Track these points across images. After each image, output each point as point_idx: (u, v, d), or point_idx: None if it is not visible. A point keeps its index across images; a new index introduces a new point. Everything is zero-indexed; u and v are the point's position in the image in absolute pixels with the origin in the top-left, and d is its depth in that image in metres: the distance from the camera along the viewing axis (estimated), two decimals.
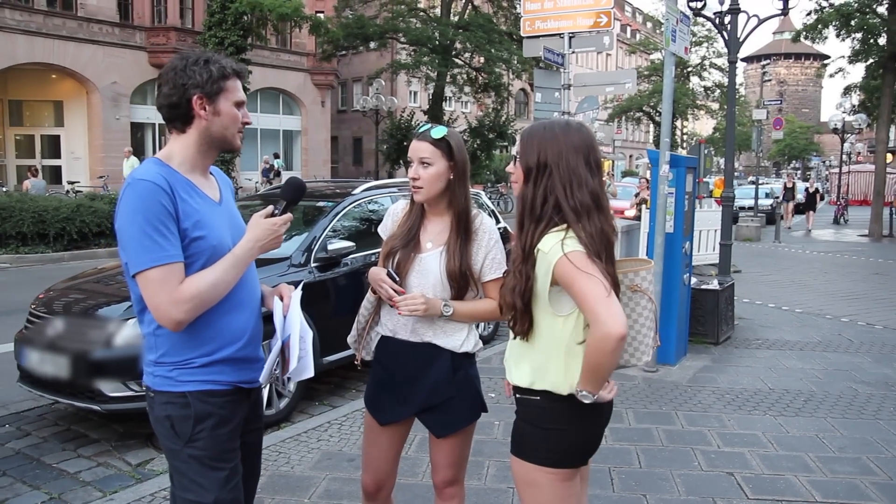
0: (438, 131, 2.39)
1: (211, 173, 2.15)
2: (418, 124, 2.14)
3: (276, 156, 27.95)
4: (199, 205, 1.98)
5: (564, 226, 1.95)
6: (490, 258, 2.42)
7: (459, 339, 2.44)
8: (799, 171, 66.26)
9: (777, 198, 27.14)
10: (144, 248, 1.85)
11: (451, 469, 2.50)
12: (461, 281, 2.38)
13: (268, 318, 2.18)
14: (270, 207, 2.09)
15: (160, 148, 30.53)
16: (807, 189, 25.18)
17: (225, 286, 1.97)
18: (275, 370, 2.15)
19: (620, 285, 2.08)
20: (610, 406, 2.12)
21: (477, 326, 2.70)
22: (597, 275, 1.86)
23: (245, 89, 2.13)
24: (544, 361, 2.01)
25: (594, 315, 1.83)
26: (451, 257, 2.37)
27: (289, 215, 2.09)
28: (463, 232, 2.40)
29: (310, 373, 2.16)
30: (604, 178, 2.06)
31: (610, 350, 1.83)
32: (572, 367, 1.97)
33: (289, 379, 2.14)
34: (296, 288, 2.23)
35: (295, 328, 2.11)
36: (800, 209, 26.14)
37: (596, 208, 1.97)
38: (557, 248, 1.90)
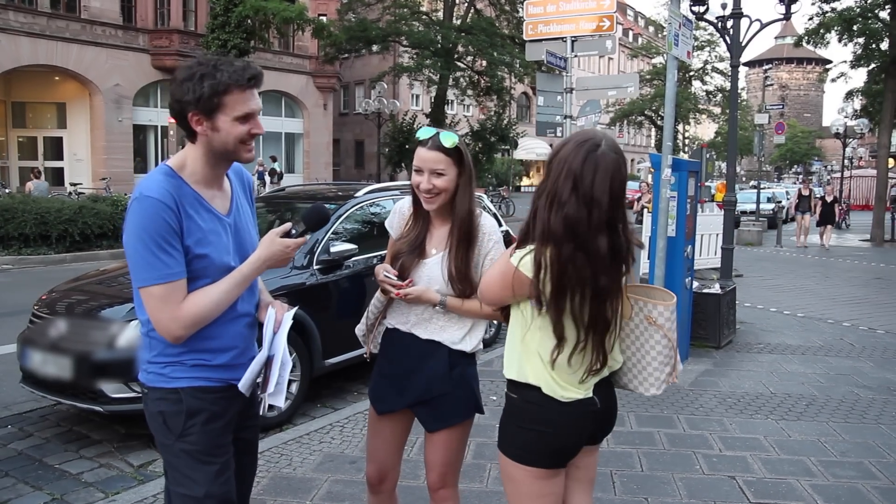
0: (449, 139, 2.35)
1: (227, 176, 2.15)
2: (420, 127, 2.11)
3: (274, 159, 27.88)
4: (203, 221, 1.99)
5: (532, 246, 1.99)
6: (489, 259, 2.42)
7: (458, 334, 2.45)
8: (800, 176, 66.17)
9: (779, 202, 26.59)
10: (148, 264, 1.88)
11: (444, 468, 2.50)
12: (463, 284, 2.39)
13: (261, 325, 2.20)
14: (288, 225, 2.10)
15: (162, 150, 30.47)
16: (823, 198, 20.30)
17: (227, 303, 2.01)
18: (257, 381, 2.13)
19: (640, 312, 2.09)
20: (588, 418, 2.08)
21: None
22: (503, 289, 2.05)
23: None
24: (510, 352, 2.12)
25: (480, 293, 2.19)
26: (452, 261, 2.39)
27: (304, 239, 2.11)
28: (465, 236, 2.40)
29: (280, 403, 2.14)
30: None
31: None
32: (525, 359, 2.05)
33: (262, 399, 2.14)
34: (290, 310, 2.23)
35: (279, 351, 2.12)
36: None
37: (568, 238, 1.90)
38: (517, 258, 2.00)
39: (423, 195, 2.37)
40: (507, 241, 7.93)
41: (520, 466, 2.06)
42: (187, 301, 1.92)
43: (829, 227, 19.45)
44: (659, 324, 2.08)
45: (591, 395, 2.06)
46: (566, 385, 2.03)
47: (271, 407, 4.81)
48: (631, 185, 31.79)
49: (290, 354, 2.17)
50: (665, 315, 2.09)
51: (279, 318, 2.17)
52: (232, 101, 1.94)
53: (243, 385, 2.05)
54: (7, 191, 19.92)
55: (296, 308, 2.31)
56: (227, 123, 1.96)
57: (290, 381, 5.03)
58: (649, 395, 2.18)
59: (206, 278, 1.97)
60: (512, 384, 2.10)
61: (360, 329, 2.68)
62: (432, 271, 2.42)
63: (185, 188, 1.97)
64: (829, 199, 19.85)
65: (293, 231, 2.10)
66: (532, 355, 2.04)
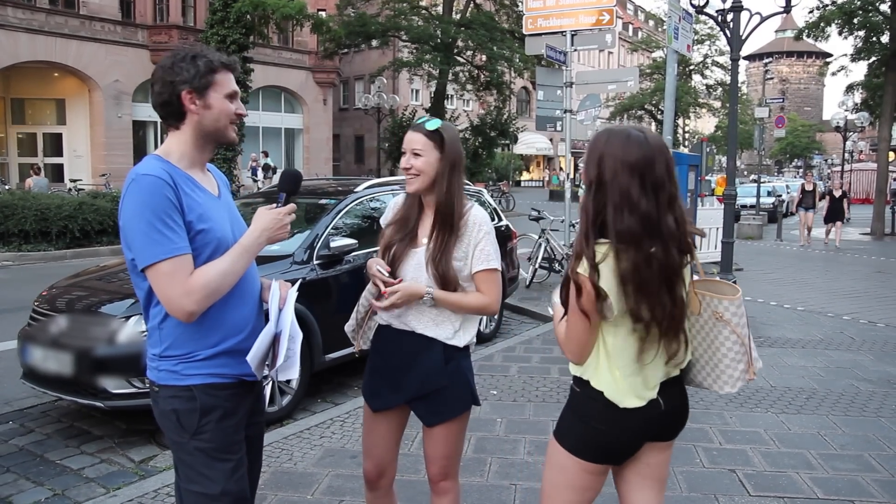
0: (433, 123, 2.41)
1: (208, 170, 2.17)
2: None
3: (266, 154, 27.81)
4: (200, 198, 2.00)
5: (608, 242, 1.91)
6: (479, 250, 2.41)
7: (450, 329, 2.44)
8: (801, 170, 66.10)
9: (779, 196, 26.47)
10: (153, 241, 1.87)
11: (444, 461, 2.51)
12: (443, 276, 2.38)
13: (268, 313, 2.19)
14: (273, 205, 2.11)
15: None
16: (830, 192, 18.62)
17: (234, 276, 1.99)
18: (267, 361, 2.13)
19: (707, 308, 2.04)
20: (650, 421, 2.06)
21: (480, 322, 2.69)
22: (573, 314, 1.96)
23: (246, 87, 2.16)
24: None
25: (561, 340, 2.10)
26: (432, 252, 2.39)
27: (292, 205, 2.11)
28: (447, 227, 2.40)
29: (294, 374, 2.16)
30: (671, 197, 1.92)
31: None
32: (590, 363, 2.04)
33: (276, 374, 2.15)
34: (293, 286, 2.24)
35: (286, 326, 2.12)
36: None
37: (647, 234, 1.89)
38: (581, 265, 1.92)
39: (405, 175, 2.42)
40: (507, 235, 7.90)
41: (571, 457, 2.08)
42: (196, 274, 1.91)
43: (838, 223, 17.83)
44: (726, 319, 2.03)
45: (655, 396, 2.04)
46: (629, 393, 2.01)
47: (271, 402, 4.81)
48: None
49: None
50: (731, 310, 2.02)
51: (284, 295, 2.17)
52: (221, 80, 2.04)
53: (252, 359, 2.03)
54: (7, 187, 19.91)
55: (300, 281, 2.31)
56: (219, 101, 2.04)
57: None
58: (724, 392, 2.14)
59: (210, 253, 1.97)
60: (577, 378, 2.10)
61: (349, 325, 2.66)
62: (421, 260, 2.42)
63: (177, 170, 1.99)
64: (836, 193, 18.27)
65: (277, 205, 2.11)
66: (599, 361, 2.02)
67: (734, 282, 7.41)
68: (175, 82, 1.98)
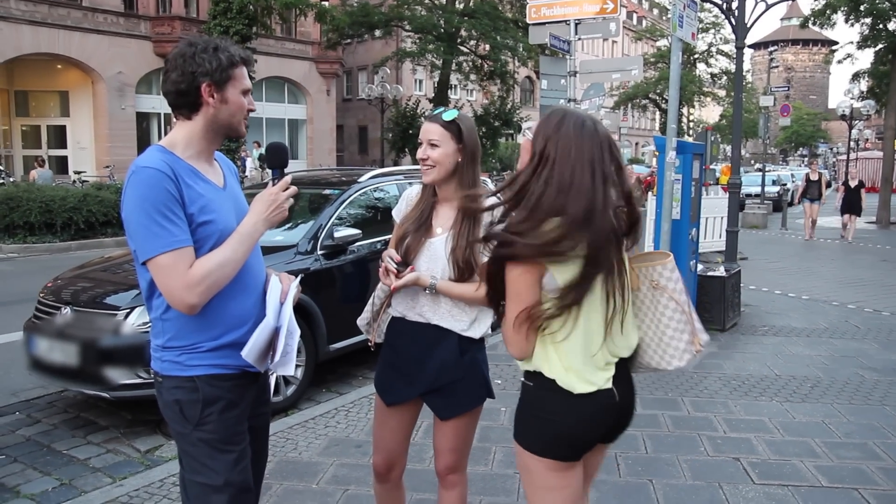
0: (449, 114, 2.40)
1: (215, 160, 2.16)
2: (423, 112, 2.14)
3: (258, 145, 27.63)
4: (204, 190, 1.98)
5: None
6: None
7: (465, 321, 2.43)
8: (806, 159, 65.83)
9: (784, 185, 26.30)
10: (153, 234, 1.86)
11: (454, 454, 2.50)
12: (464, 265, 2.37)
13: None
14: (269, 185, 2.11)
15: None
16: (845, 184, 17.23)
17: (234, 265, 1.97)
18: (270, 356, 2.11)
19: (645, 280, 2.01)
20: (606, 411, 1.97)
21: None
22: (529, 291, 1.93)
23: (251, 78, 2.12)
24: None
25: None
26: (457, 242, 2.38)
27: (286, 179, 2.09)
28: (471, 217, 2.40)
29: (290, 370, 2.15)
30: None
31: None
32: (538, 351, 1.96)
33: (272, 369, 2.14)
34: (295, 279, 2.23)
35: (285, 321, 2.10)
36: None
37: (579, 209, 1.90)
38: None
39: (421, 166, 2.41)
40: None
41: (534, 457, 1.98)
42: (195, 266, 1.90)
43: (853, 216, 16.42)
44: (662, 286, 1.99)
45: (609, 386, 1.95)
46: (579, 378, 1.93)
47: (276, 392, 4.83)
48: (639, 170, 31.77)
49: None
50: (665, 275, 1.99)
51: (285, 289, 2.16)
52: (239, 75, 2.03)
53: (248, 353, 2.01)
54: (11, 179, 19.97)
55: (301, 276, 2.31)
56: (236, 95, 2.03)
57: (295, 366, 5.08)
58: (672, 368, 2.03)
59: (212, 245, 1.95)
60: (528, 372, 2.03)
61: (363, 319, 2.64)
62: (437, 251, 2.41)
63: (181, 162, 1.97)
64: (853, 183, 16.77)
65: (271, 182, 2.11)
66: (545, 347, 1.95)
67: (738, 271, 7.41)
68: (196, 73, 1.96)
